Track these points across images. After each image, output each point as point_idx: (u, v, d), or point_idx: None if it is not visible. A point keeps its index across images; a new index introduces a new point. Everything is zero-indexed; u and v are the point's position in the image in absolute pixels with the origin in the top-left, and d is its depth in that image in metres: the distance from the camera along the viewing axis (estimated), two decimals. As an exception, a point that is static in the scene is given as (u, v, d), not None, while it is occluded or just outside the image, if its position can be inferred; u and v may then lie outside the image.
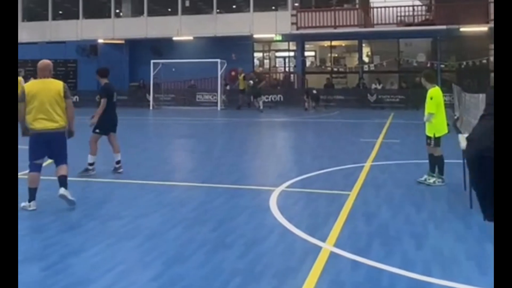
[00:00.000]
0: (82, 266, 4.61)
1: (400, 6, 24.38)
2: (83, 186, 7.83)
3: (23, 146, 6.63)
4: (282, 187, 7.46)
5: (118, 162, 8.70)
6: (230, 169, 9.14)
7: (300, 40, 26.54)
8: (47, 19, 26.10)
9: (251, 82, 22.65)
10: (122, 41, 27.03)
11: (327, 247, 5.01)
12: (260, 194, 7.22)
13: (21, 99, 6.23)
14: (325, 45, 27.71)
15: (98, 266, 4.59)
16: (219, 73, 23.57)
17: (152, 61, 24.33)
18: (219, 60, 23.43)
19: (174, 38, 25.55)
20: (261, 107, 21.39)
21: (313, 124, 17.22)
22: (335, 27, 24.30)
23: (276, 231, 5.54)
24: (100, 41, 26.37)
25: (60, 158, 6.53)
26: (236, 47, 26.03)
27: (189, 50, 26.20)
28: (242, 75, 23.58)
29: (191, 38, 25.57)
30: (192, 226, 5.75)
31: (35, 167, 6.43)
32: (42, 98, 6.27)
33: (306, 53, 27.74)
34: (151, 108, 23.41)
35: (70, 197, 6.41)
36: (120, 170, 8.64)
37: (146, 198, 7.03)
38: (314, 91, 22.45)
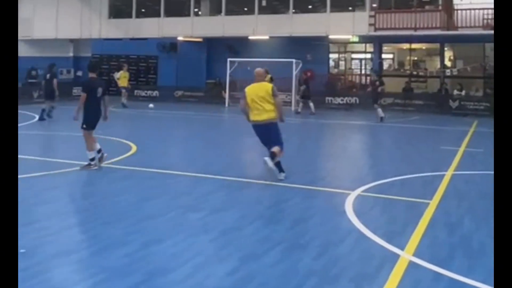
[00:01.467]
0: (162, 255, 4.76)
1: (487, 8, 23.17)
2: (163, 177, 8.09)
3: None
4: (358, 191, 7.32)
5: (99, 151, 8.55)
6: (304, 169, 9.09)
7: (378, 42, 25.92)
8: (131, 17, 27.23)
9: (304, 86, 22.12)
10: (200, 39, 27.67)
11: (406, 255, 4.85)
12: (335, 196, 7.12)
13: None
14: (404, 47, 26.86)
15: (176, 256, 4.73)
16: (294, 73, 23.53)
17: (228, 59, 24.73)
18: (294, 60, 23.39)
19: (250, 37, 25.82)
20: (313, 110, 20.98)
21: (390, 128, 16.76)
22: (415, 29, 23.50)
23: (352, 235, 5.44)
24: (180, 38, 27.14)
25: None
26: (311, 48, 25.85)
27: (264, 49, 26.36)
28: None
29: (266, 37, 25.73)
30: (267, 224, 5.78)
31: None
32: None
33: (384, 55, 27.05)
34: (226, 105, 23.80)
35: (270, 165, 7.76)
36: (105, 154, 8.58)
37: (223, 193, 7.15)
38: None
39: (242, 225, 5.69)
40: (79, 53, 29.66)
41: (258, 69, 8.67)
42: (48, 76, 16.70)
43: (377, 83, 18.69)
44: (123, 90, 22.14)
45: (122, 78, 22.40)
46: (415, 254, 4.87)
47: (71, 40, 28.93)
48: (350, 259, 4.78)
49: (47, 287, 4.03)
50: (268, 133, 8.13)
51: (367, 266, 4.60)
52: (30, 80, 26.26)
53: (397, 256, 4.81)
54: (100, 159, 8.57)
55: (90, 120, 8.52)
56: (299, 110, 21.23)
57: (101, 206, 6.44)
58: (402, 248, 5.02)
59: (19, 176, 7.87)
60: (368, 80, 20.47)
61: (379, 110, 17.85)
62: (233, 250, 4.91)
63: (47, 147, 10.91)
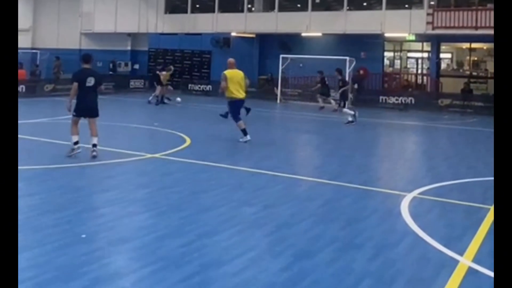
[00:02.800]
0: (216, 248, 4.81)
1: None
2: (217, 171, 8.19)
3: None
4: (414, 193, 7.13)
5: (94, 146, 8.67)
6: (358, 169, 8.95)
7: (436, 41, 25.14)
8: (186, 12, 27.66)
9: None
10: (253, 35, 27.76)
11: (465, 261, 4.69)
12: (390, 198, 6.97)
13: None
14: (464, 47, 25.94)
15: (230, 250, 4.76)
16: (348, 71, 23.21)
17: (281, 55, 24.68)
18: (347, 58, 23.05)
19: (303, 34, 25.64)
20: (321, 104, 20.40)
21: (448, 130, 16.24)
22: (476, 28, 22.61)
23: (408, 238, 5.31)
24: (233, 34, 27.34)
25: None
26: (366, 46, 25.38)
27: (317, 46, 26.12)
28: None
29: (319, 34, 25.47)
30: (320, 222, 5.72)
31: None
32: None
33: (442, 55, 26.21)
34: (278, 101, 23.79)
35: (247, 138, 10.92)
36: (94, 154, 8.58)
37: (275, 189, 7.15)
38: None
39: (295, 222, 5.66)
40: (136, 47, 30.44)
41: (231, 59, 11.44)
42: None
43: (340, 83, 16.92)
44: (168, 87, 21.65)
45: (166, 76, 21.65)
46: (474, 260, 4.70)
47: (129, 34, 29.72)
48: (406, 262, 4.66)
49: (106, 272, 4.16)
50: (242, 107, 11.49)
51: (423, 270, 4.48)
52: (110, 72, 27.46)
53: (455, 262, 4.66)
54: (72, 151, 8.72)
55: (80, 108, 8.76)
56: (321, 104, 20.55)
57: (157, 196, 6.58)
58: (461, 253, 4.85)
59: (81, 164, 8.25)
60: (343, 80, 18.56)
61: (347, 110, 16.03)
62: (286, 247, 4.90)
63: (104, 137, 11.23)
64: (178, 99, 20.73)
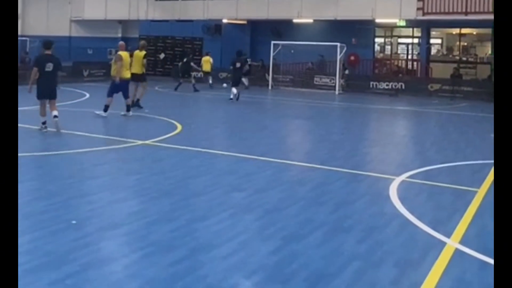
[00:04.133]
0: (206, 232, 4.85)
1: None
2: (208, 157, 8.21)
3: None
4: (403, 177, 7.20)
5: (55, 116, 9.57)
6: (348, 153, 9.02)
7: (426, 27, 25.16)
8: (177, -1, 27.44)
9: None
10: (245, 22, 27.62)
11: (452, 243, 4.76)
12: (379, 181, 7.04)
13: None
14: (454, 32, 25.97)
15: (220, 234, 4.80)
16: (338, 57, 23.20)
17: (272, 42, 24.60)
18: (338, 44, 23.02)
19: (294, 20, 25.55)
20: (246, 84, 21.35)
21: (437, 115, 16.34)
22: (466, 13, 22.63)
23: (397, 221, 5.38)
24: (224, 21, 27.18)
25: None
26: (357, 32, 25.36)
27: (308, 32, 26.06)
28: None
29: (311, 20, 25.40)
30: (310, 206, 5.78)
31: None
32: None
33: (432, 41, 26.25)
34: (269, 88, 23.78)
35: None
36: (56, 120, 9.52)
37: (266, 174, 7.19)
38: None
39: (285, 206, 5.71)
40: (127, 34, 30.17)
41: (122, 42, 13.26)
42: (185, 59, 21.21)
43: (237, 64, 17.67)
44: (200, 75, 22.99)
45: (205, 63, 22.97)
46: (461, 242, 4.78)
47: (120, 21, 29.45)
48: (394, 245, 4.73)
49: (96, 257, 4.18)
50: (125, 87, 12.33)
51: (411, 252, 4.55)
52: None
53: (443, 244, 4.73)
54: (40, 129, 9.73)
55: (41, 91, 9.52)
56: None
57: (148, 182, 6.60)
58: (448, 236, 4.93)
59: (72, 151, 8.24)
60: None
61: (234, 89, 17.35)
62: (276, 230, 4.95)
63: (95, 124, 11.24)
64: (225, 85, 20.63)
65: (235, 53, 18.28)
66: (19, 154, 7.77)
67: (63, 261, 4.04)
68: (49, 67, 9.51)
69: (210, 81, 22.61)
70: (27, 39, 26.76)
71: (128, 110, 12.43)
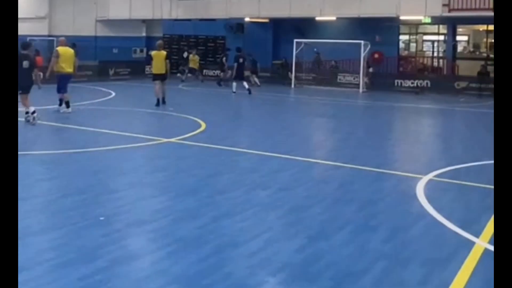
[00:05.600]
0: (231, 229, 4.87)
1: None
2: (233, 155, 8.24)
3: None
4: (430, 175, 7.09)
5: (33, 112, 10.39)
6: (373, 152, 8.93)
7: (452, 23, 24.72)
8: (200, -2, 27.55)
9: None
10: (267, 20, 27.57)
11: (481, 243, 4.68)
12: (405, 180, 6.96)
13: None
14: (481, 29, 25.47)
15: (245, 231, 4.82)
16: (362, 55, 22.99)
17: (295, 40, 24.51)
18: (362, 42, 22.80)
19: (317, 18, 25.37)
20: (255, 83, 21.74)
21: (464, 113, 16.05)
22: (493, 9, 22.21)
23: (424, 220, 5.30)
24: (247, 19, 27.17)
25: None
26: (381, 29, 25.04)
27: (331, 30, 25.86)
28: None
29: (333, 18, 25.19)
30: (335, 205, 5.75)
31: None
32: None
33: (458, 38, 25.80)
34: (292, 86, 23.71)
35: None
36: (35, 115, 10.35)
37: (290, 172, 7.18)
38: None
39: (310, 204, 5.69)
40: (151, 33, 30.45)
41: (62, 38, 13.47)
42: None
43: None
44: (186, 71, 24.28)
45: (192, 61, 24.27)
46: (491, 242, 4.68)
47: (144, 21, 29.72)
48: (421, 244, 4.67)
49: (124, 253, 4.24)
50: (69, 81, 12.66)
51: (439, 252, 4.48)
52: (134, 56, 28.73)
53: (471, 243, 4.65)
54: (33, 119, 10.44)
55: (21, 86, 10.05)
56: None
57: (173, 179, 6.66)
58: (477, 235, 4.84)
59: (99, 148, 8.37)
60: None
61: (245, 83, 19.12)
62: (301, 228, 4.93)
63: (121, 122, 11.39)
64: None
65: (235, 50, 20.66)
66: (48, 152, 7.99)
67: (91, 257, 4.10)
68: (26, 64, 10.51)
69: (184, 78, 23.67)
70: (54, 38, 27.18)
71: (60, 104, 12.48)
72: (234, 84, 18.95)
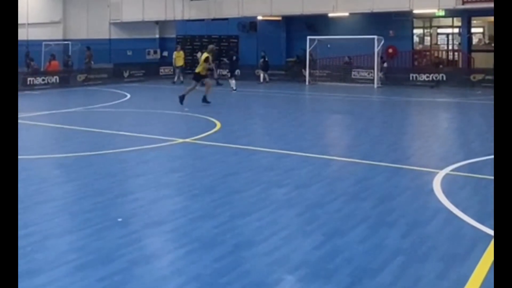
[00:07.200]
0: (248, 228, 4.89)
1: None
2: (248, 153, 8.26)
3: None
4: (447, 170, 7.04)
5: None
6: (389, 147, 8.88)
7: (466, 16, 24.41)
8: (212, -2, 27.63)
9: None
10: (279, 18, 27.54)
11: (500, 237, 4.63)
12: (422, 175, 6.91)
13: None
14: (496, 20, 25.19)
15: (262, 230, 4.83)
16: (376, 50, 22.84)
17: (308, 37, 24.44)
18: (375, 37, 22.65)
19: (330, 14, 25.28)
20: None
21: (481, 106, 15.87)
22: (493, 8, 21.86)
23: (441, 215, 5.27)
24: (259, 18, 27.18)
25: None
26: (394, 23, 24.87)
27: (344, 26, 25.75)
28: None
29: (346, 14, 25.08)
30: (351, 201, 5.73)
31: None
32: None
33: (473, 30, 25.47)
34: (307, 83, 23.66)
35: None
36: None
37: (306, 170, 7.17)
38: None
39: (327, 201, 5.69)
40: (164, 35, 30.65)
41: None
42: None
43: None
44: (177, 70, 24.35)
45: (176, 58, 24.43)
46: (510, 236, 4.64)
47: (157, 22, 29.92)
48: (439, 239, 4.64)
49: (143, 254, 4.28)
50: None
51: (457, 246, 4.45)
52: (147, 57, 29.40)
53: (490, 238, 4.61)
54: None
55: None
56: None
57: (189, 179, 6.71)
58: (496, 229, 4.79)
59: (116, 150, 8.46)
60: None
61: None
62: (318, 225, 4.94)
63: (138, 124, 11.50)
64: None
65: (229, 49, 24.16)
66: (65, 155, 8.09)
67: (110, 258, 4.16)
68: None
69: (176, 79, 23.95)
70: (69, 43, 27.55)
71: None
72: (233, 82, 20.12)
